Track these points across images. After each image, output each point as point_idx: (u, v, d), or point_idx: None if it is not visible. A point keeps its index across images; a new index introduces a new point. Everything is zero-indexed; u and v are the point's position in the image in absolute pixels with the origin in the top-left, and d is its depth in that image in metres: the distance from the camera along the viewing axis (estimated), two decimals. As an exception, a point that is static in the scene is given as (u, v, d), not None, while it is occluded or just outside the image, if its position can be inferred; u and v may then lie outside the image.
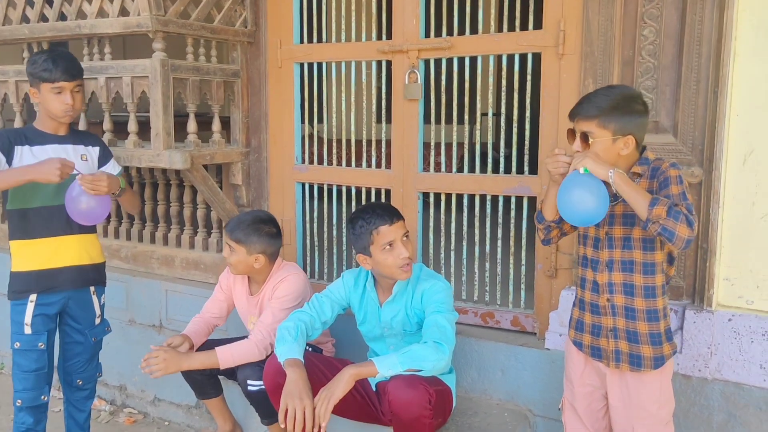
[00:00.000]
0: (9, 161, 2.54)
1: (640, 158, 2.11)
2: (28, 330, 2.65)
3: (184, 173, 3.25)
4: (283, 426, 2.27)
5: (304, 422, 2.22)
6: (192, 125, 3.28)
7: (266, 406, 2.65)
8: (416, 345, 2.31)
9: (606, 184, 1.98)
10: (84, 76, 3.23)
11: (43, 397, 2.72)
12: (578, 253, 2.31)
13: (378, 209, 2.51)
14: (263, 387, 2.58)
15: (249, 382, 2.67)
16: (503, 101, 3.00)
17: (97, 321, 2.87)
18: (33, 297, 2.65)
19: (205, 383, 2.91)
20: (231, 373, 2.83)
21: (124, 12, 3.05)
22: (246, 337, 2.82)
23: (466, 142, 3.09)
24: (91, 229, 2.80)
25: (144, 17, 2.94)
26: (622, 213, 2.12)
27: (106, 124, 3.35)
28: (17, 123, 3.68)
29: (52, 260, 2.67)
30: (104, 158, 2.82)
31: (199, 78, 3.26)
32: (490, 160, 3.06)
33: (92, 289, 2.83)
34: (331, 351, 3.03)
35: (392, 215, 2.48)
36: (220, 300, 3.02)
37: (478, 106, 3.02)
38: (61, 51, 2.68)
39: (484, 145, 3.09)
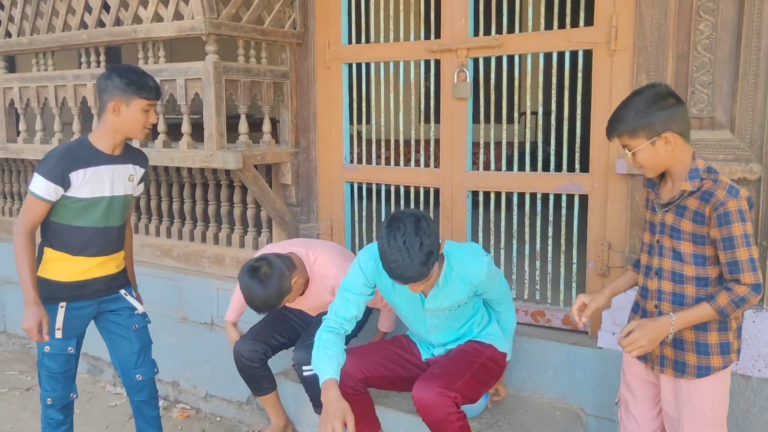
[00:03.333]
0: (66, 188, 2.52)
1: (692, 169, 2.01)
2: (59, 334, 2.65)
3: (236, 173, 3.31)
4: None
5: None
6: (243, 126, 3.34)
7: (320, 392, 2.69)
8: (504, 320, 2.65)
9: None
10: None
11: (72, 394, 2.77)
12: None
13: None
14: None
15: (304, 367, 2.69)
16: (553, 99, 2.96)
17: (137, 312, 2.86)
18: (64, 303, 2.66)
19: (260, 378, 2.96)
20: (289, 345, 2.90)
21: (177, 16, 3.13)
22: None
23: (516, 140, 3.07)
24: (122, 246, 2.82)
25: (198, 20, 3.01)
26: (671, 225, 2.07)
27: (161, 126, 3.43)
28: (75, 125, 3.79)
29: (87, 274, 2.68)
30: (144, 179, 2.82)
31: (250, 79, 3.32)
32: (540, 158, 3.04)
33: (122, 291, 2.84)
34: (391, 322, 3.04)
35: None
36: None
37: (528, 104, 3.01)
38: (142, 69, 2.68)
39: (533, 144, 3.07)
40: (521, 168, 3.14)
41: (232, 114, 3.33)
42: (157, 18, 3.21)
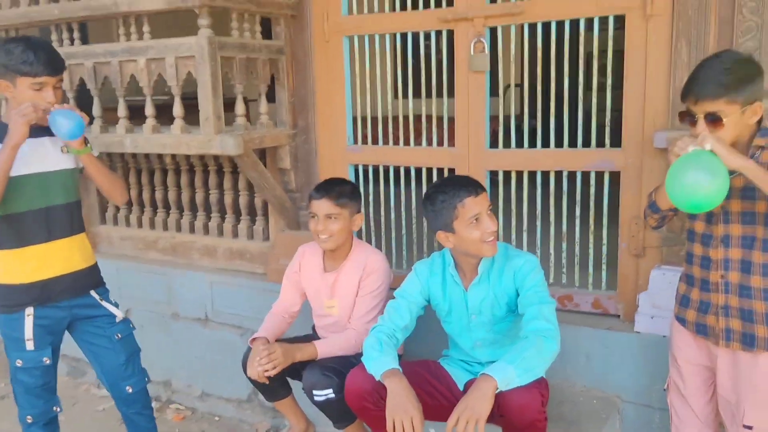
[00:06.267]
0: None
1: (760, 128, 1.93)
2: (30, 345, 2.43)
3: (234, 158, 3.05)
4: None
5: None
6: (240, 107, 3.07)
7: (335, 411, 2.52)
8: (527, 348, 2.11)
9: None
10: (123, 58, 3.04)
11: (54, 408, 2.57)
12: (685, 227, 2.14)
13: (460, 180, 2.32)
14: (330, 395, 2.45)
15: (315, 392, 2.50)
16: (580, 70, 2.78)
17: (117, 319, 2.63)
18: (30, 311, 2.43)
19: (275, 387, 2.74)
20: (295, 372, 2.66)
21: (165, -13, 2.82)
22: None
23: (539, 114, 2.88)
24: (80, 229, 2.55)
25: (190, -9, 2.71)
26: (741, 186, 1.95)
27: (149, 110, 3.12)
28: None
29: (44, 269, 2.43)
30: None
31: (245, 56, 3.04)
32: (566, 134, 2.85)
33: (93, 293, 2.60)
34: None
35: (476, 186, 2.29)
36: (291, 286, 2.84)
37: (553, 76, 2.81)
38: (40, 40, 2.37)
39: (558, 118, 2.88)
40: (545, 144, 2.94)
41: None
42: (141, -11, 2.89)
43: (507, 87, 2.83)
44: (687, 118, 1.93)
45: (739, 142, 1.93)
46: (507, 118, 2.92)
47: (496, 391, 2.01)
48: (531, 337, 2.15)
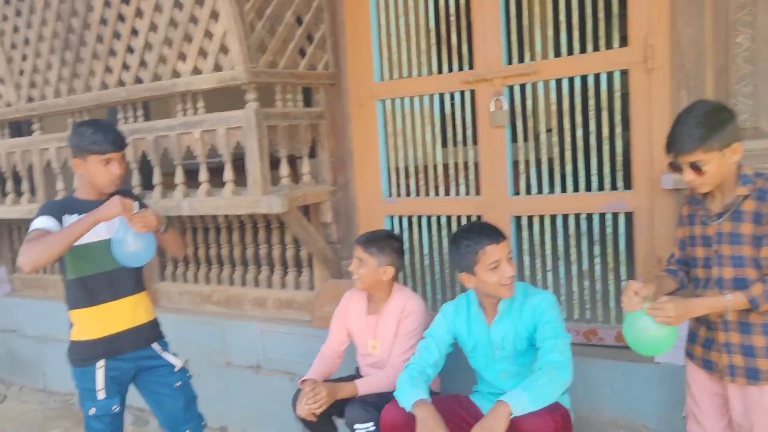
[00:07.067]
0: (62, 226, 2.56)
1: (741, 175, 2.10)
2: (101, 395, 2.67)
3: (280, 216, 3.35)
4: None
5: None
6: (285, 169, 3.39)
7: None
8: (541, 377, 2.31)
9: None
10: (181, 131, 3.41)
11: None
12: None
13: (484, 229, 2.54)
14: (371, 428, 2.64)
15: (356, 425, 2.71)
16: (591, 119, 3.02)
17: (177, 368, 2.88)
18: (101, 363, 2.68)
19: (323, 424, 2.95)
20: (341, 412, 2.89)
21: (216, 67, 3.19)
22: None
23: (556, 161, 3.12)
24: (141, 287, 2.84)
25: (238, 70, 3.07)
26: (729, 232, 2.12)
27: (203, 176, 3.47)
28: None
29: (112, 325, 2.71)
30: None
31: (288, 123, 3.38)
32: (582, 178, 3.08)
33: (155, 345, 2.86)
34: (436, 380, 3.06)
35: (498, 234, 2.51)
36: (339, 326, 3.09)
37: (567, 126, 3.06)
38: (106, 122, 2.69)
39: (574, 164, 3.11)
40: (563, 189, 3.17)
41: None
42: (196, 71, 3.27)
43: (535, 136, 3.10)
44: (674, 168, 2.13)
45: (725, 181, 2.10)
46: (532, 163, 3.16)
47: (511, 416, 2.21)
48: (545, 368, 2.34)
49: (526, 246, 3.26)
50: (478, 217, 3.34)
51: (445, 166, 3.49)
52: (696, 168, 2.06)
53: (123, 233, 2.49)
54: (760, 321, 2.09)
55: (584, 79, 3.01)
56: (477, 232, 2.51)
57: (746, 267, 2.09)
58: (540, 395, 2.27)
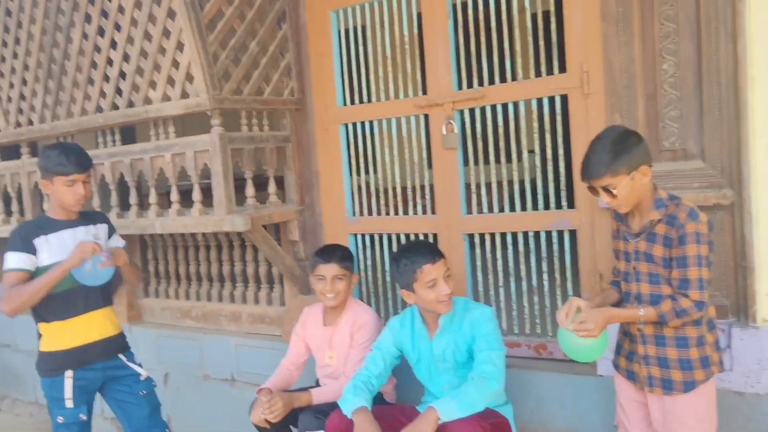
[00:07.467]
0: (35, 254, 2.74)
1: (656, 199, 2.23)
2: (69, 404, 2.82)
3: (246, 234, 3.52)
4: None
5: None
6: (250, 190, 3.56)
7: None
8: (470, 386, 2.45)
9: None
10: (154, 154, 3.59)
11: None
12: None
13: (421, 248, 2.67)
14: None
15: None
16: (536, 142, 3.16)
17: (142, 378, 3.04)
18: (69, 373, 2.82)
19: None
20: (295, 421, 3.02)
21: (184, 95, 3.38)
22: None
23: (505, 182, 3.26)
24: (109, 302, 3.02)
25: (202, 98, 3.26)
26: (644, 251, 2.26)
27: (174, 196, 3.64)
28: (95, 201, 4.03)
29: (83, 337, 2.87)
30: (111, 233, 3.04)
31: (254, 146, 3.56)
32: (529, 198, 3.22)
33: (121, 356, 3.03)
34: (391, 391, 3.19)
35: (435, 254, 2.63)
36: (298, 339, 3.24)
37: (513, 147, 3.20)
38: (72, 145, 2.86)
39: (521, 184, 3.26)
40: (512, 208, 3.31)
41: (238, 177, 3.54)
42: (166, 98, 3.46)
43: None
44: (592, 191, 2.28)
45: (642, 201, 2.24)
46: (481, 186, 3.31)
47: (439, 421, 2.34)
48: (476, 378, 2.48)
49: (479, 263, 3.40)
50: (434, 235, 3.48)
51: (403, 188, 3.65)
52: (608, 191, 2.19)
53: (89, 266, 2.71)
54: (673, 334, 2.22)
55: (528, 103, 3.16)
56: (415, 252, 2.65)
57: (662, 284, 2.22)
58: (467, 403, 2.40)
